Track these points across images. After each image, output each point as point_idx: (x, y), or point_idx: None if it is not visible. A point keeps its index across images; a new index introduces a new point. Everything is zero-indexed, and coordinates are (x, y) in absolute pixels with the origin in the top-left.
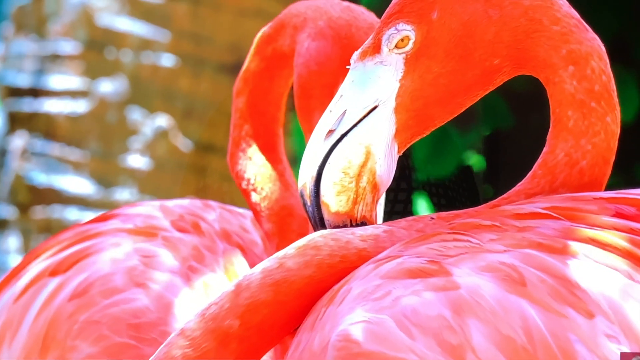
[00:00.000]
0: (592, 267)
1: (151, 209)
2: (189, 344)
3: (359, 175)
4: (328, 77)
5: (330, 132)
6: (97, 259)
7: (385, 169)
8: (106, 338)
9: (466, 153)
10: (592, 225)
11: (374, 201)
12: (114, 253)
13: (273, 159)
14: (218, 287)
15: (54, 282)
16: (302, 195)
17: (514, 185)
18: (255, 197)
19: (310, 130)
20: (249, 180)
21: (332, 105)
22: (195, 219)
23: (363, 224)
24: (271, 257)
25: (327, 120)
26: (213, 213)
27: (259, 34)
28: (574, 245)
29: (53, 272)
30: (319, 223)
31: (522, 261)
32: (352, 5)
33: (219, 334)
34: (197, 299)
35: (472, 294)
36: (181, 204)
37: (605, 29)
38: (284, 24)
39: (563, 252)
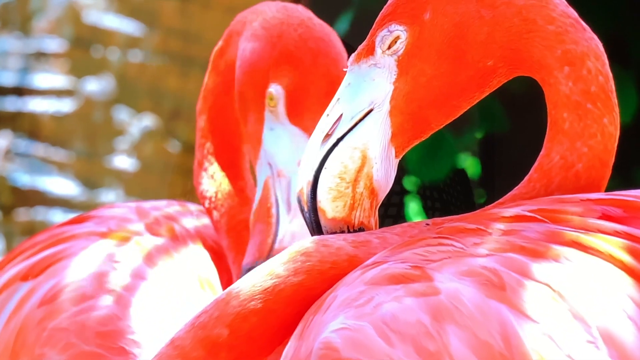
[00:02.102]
0: (574, 271)
1: (127, 211)
2: (178, 353)
3: (355, 181)
4: (260, 77)
5: (327, 136)
6: (67, 264)
7: (382, 174)
8: (74, 346)
9: (460, 156)
10: (577, 228)
11: (372, 207)
12: (85, 258)
13: (234, 176)
14: (189, 293)
15: (25, 287)
16: (299, 201)
17: (508, 189)
18: (215, 215)
19: (248, 133)
20: (210, 198)
21: (329, 109)
22: (170, 222)
23: (361, 230)
24: (262, 264)
25: (324, 124)
26: (190, 216)
27: (214, 50)
28: (557, 249)
29: (24, 276)
30: (316, 229)
31: (504, 265)
32: (289, 5)
33: (208, 342)
34: (167, 306)
35: (451, 299)
36: (158, 206)
37: (602, 29)
38: (231, 33)
39: (545, 256)
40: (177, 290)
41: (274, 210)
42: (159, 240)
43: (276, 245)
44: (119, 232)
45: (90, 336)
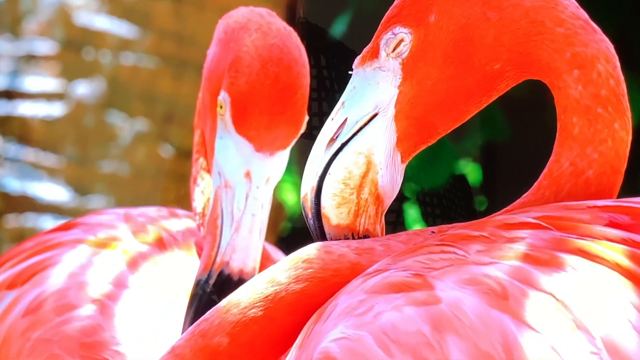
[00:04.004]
0: (578, 280)
1: (114, 218)
2: None
3: (360, 187)
4: (215, 84)
5: (331, 141)
6: (52, 272)
7: (388, 180)
8: (57, 357)
9: (461, 162)
10: (583, 236)
11: (378, 214)
12: (70, 266)
13: None
14: (175, 302)
15: (10, 296)
16: (303, 207)
17: (510, 195)
18: (203, 231)
19: (207, 142)
20: (199, 215)
21: (334, 113)
22: (158, 229)
23: (366, 237)
24: (264, 271)
25: (329, 128)
26: (178, 223)
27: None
28: (562, 257)
29: (10, 285)
30: (320, 236)
31: (507, 273)
32: (256, 9)
33: (208, 351)
34: (152, 316)
35: (452, 308)
36: (146, 213)
37: (606, 30)
38: (213, 39)
39: (549, 264)
40: (163, 299)
41: (219, 222)
42: (146, 248)
43: (218, 259)
44: (106, 239)
45: (74, 347)
